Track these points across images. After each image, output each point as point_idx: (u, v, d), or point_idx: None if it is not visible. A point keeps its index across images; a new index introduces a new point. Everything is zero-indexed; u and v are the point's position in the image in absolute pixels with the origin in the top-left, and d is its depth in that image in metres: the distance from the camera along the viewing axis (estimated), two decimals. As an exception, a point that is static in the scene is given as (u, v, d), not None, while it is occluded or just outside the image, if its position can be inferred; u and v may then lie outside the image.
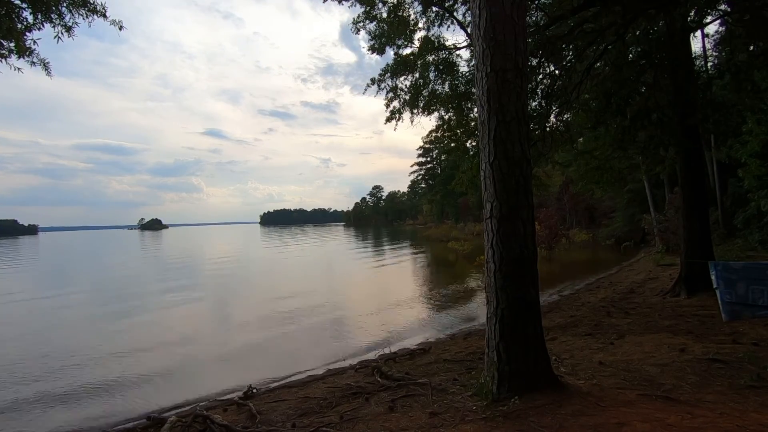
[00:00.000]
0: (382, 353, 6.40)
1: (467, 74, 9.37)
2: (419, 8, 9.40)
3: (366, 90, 9.87)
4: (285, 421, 3.63)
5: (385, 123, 10.40)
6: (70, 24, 5.35)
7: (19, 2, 5.11)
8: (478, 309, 9.43)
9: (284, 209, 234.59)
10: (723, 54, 9.70)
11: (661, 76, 7.96)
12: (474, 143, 10.05)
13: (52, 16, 5.24)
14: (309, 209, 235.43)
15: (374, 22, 9.57)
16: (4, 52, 5.20)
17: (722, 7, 7.42)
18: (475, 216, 47.96)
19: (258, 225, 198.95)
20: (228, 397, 4.81)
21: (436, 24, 9.51)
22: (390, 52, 9.80)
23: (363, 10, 9.43)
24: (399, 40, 9.63)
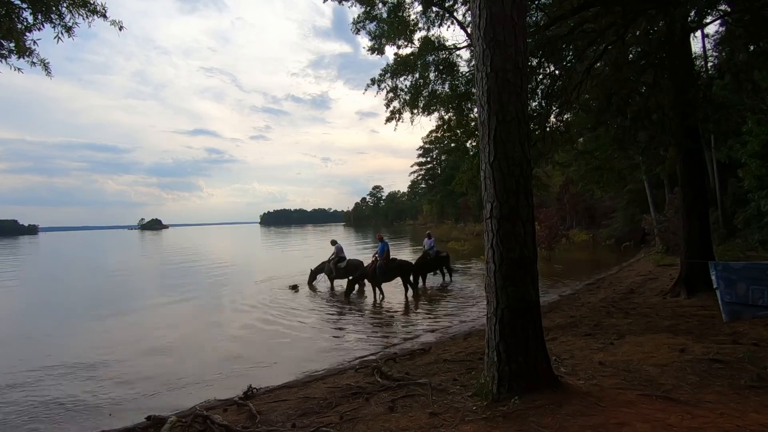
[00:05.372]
0: (382, 353, 6.40)
1: (467, 74, 9.39)
2: (419, 8, 9.42)
3: (366, 90, 9.89)
4: (285, 421, 3.62)
5: (386, 123, 10.44)
6: (70, 24, 5.35)
7: (19, 2, 5.11)
8: (478, 309, 9.42)
9: (284, 209, 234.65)
10: (723, 54, 9.71)
11: (661, 76, 7.96)
12: (474, 143, 10.06)
13: (52, 16, 5.25)
14: (309, 209, 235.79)
15: (374, 22, 9.58)
16: (4, 52, 5.21)
17: (722, 7, 7.42)
18: (475, 216, 47.97)
19: (258, 225, 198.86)
20: (228, 397, 4.81)
21: (436, 24, 9.54)
22: (390, 52, 9.87)
23: (363, 10, 9.44)
24: (399, 40, 9.65)
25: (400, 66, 9.71)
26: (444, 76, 9.62)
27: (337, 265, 12.64)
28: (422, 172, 79.94)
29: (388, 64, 9.94)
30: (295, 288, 12.76)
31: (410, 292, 11.55)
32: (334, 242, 13.49)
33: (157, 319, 9.91)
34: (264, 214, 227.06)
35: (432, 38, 9.58)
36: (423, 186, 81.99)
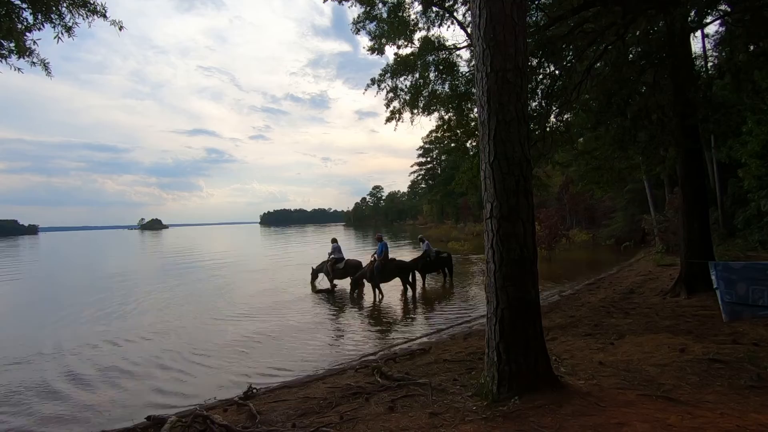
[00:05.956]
0: (382, 353, 6.41)
1: (467, 74, 9.39)
2: (419, 8, 9.42)
3: (366, 90, 9.90)
4: (285, 421, 3.63)
5: (386, 123, 10.44)
6: (70, 24, 5.35)
7: (19, 2, 5.11)
8: (478, 309, 9.43)
9: (284, 209, 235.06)
10: (723, 54, 9.71)
11: (661, 76, 7.96)
12: (474, 143, 10.07)
13: (52, 16, 5.24)
14: (309, 209, 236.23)
15: (374, 22, 9.58)
16: (4, 52, 5.20)
17: (722, 7, 7.42)
18: (475, 216, 48.00)
19: (258, 225, 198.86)
20: (228, 397, 4.81)
21: (436, 24, 9.54)
22: (390, 52, 9.89)
23: (363, 10, 9.44)
24: (399, 40, 9.65)
25: (400, 66, 9.71)
26: (444, 76, 9.62)
27: (334, 266, 12.63)
28: (422, 172, 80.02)
29: (388, 64, 9.95)
30: (320, 291, 12.54)
31: (410, 292, 11.55)
32: (334, 240, 13.52)
33: (156, 319, 9.91)
34: (264, 214, 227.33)
35: (432, 38, 9.59)
36: (423, 186, 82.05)
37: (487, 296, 3.46)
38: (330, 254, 12.95)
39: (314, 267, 13.41)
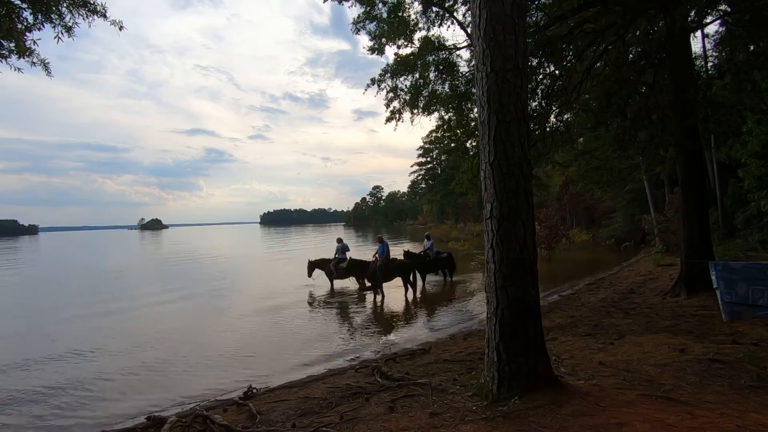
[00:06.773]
0: (382, 353, 6.41)
1: (467, 74, 9.39)
2: (419, 8, 9.43)
3: (366, 90, 9.90)
4: (285, 421, 3.63)
5: (386, 123, 10.44)
6: (70, 24, 5.35)
7: (19, 2, 5.11)
8: (478, 309, 9.43)
9: (284, 209, 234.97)
10: (723, 54, 9.71)
11: (661, 76, 7.96)
12: (474, 143, 10.07)
13: (52, 16, 5.24)
14: (309, 209, 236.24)
15: (374, 22, 9.59)
16: (4, 52, 5.19)
17: (722, 7, 7.42)
18: (475, 216, 48.00)
19: (258, 225, 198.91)
20: (228, 397, 4.81)
21: (436, 24, 9.55)
22: (390, 52, 9.90)
23: (363, 10, 9.45)
24: (399, 40, 9.66)
25: (400, 66, 9.72)
26: (444, 76, 9.63)
27: (337, 266, 12.62)
28: (422, 172, 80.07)
29: (388, 64, 9.97)
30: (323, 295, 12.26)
31: (410, 292, 11.55)
32: (339, 240, 13.51)
33: (157, 321, 9.91)
34: (264, 214, 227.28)
35: (432, 38, 9.59)
36: (423, 186, 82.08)
37: (487, 296, 3.46)
38: (335, 254, 12.95)
39: (311, 260, 13.35)
